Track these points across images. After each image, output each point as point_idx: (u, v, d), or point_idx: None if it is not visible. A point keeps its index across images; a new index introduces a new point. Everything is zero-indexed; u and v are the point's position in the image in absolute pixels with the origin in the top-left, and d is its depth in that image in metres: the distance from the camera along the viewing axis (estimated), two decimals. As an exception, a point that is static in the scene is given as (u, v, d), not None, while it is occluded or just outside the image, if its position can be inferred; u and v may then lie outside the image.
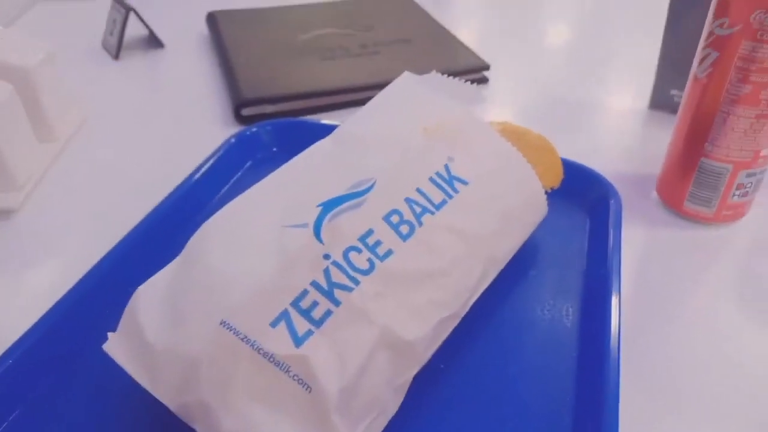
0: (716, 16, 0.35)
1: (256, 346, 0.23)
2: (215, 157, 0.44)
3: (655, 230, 0.41)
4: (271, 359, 0.23)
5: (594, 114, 0.55)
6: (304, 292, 0.24)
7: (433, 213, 0.28)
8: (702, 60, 0.37)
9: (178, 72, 0.63)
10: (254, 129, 0.48)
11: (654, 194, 0.44)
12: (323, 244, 0.26)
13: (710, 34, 0.36)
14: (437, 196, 0.29)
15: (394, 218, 0.27)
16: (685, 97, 0.39)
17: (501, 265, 0.32)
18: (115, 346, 0.25)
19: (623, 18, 0.77)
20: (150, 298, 0.26)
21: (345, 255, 0.26)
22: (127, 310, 0.26)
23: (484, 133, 0.33)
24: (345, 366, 0.23)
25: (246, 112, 0.53)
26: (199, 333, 0.23)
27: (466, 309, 0.30)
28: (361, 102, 0.54)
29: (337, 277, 0.25)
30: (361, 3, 0.74)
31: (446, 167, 0.30)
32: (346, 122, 0.34)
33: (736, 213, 0.41)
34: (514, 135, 0.35)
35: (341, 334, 0.24)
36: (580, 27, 0.77)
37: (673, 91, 0.53)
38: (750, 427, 0.29)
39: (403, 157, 0.30)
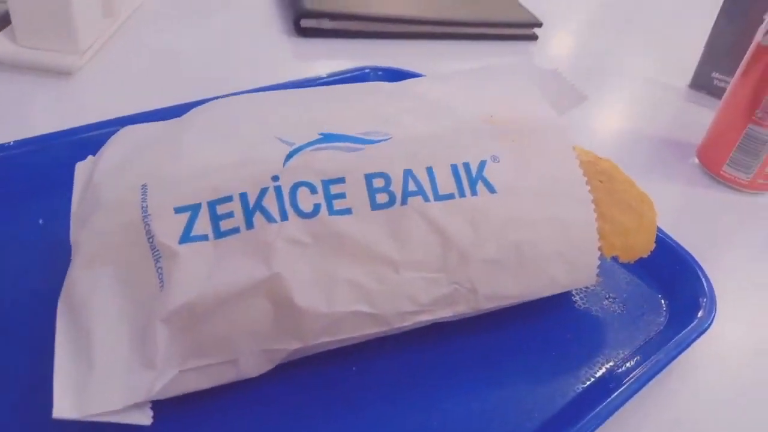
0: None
1: (147, 220, 0.22)
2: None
3: (692, 190, 0.44)
4: (150, 239, 0.22)
5: (637, 85, 0.57)
6: (227, 198, 0.22)
7: (427, 199, 0.24)
8: (765, 26, 0.39)
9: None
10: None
11: (693, 159, 0.46)
12: (284, 167, 0.23)
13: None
14: (447, 186, 0.25)
15: (378, 182, 0.24)
16: (743, 65, 0.41)
17: (481, 305, 0.26)
18: (80, 171, 0.27)
19: (674, 2, 0.79)
20: (123, 140, 0.26)
21: (294, 186, 0.23)
22: (107, 141, 0.27)
23: (556, 151, 0.27)
24: (210, 286, 0.21)
25: (305, 23, 0.54)
26: (121, 183, 0.23)
27: (403, 324, 0.25)
28: (417, 35, 0.57)
29: (269, 202, 0.22)
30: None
31: (482, 164, 0.25)
32: (428, 76, 0.31)
33: (770, 183, 0.43)
34: (602, 175, 0.29)
35: (232, 256, 0.22)
36: (636, 7, 0.79)
37: (714, 74, 0.55)
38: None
39: (444, 131, 0.26)
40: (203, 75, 0.46)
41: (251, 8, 0.57)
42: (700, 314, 0.30)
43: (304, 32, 0.54)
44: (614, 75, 0.58)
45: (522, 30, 0.60)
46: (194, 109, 0.27)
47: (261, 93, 0.28)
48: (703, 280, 0.31)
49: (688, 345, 0.28)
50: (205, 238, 0.22)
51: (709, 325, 0.29)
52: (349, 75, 0.45)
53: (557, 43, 0.62)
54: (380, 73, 0.46)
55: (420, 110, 0.27)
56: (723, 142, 0.43)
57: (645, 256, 0.30)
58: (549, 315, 0.30)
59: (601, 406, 0.25)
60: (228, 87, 0.40)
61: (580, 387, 0.27)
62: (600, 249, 0.27)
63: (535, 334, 0.29)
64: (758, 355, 0.32)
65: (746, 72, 0.41)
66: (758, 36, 0.40)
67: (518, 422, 0.25)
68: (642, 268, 0.32)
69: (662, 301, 0.32)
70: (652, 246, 0.30)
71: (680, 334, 0.28)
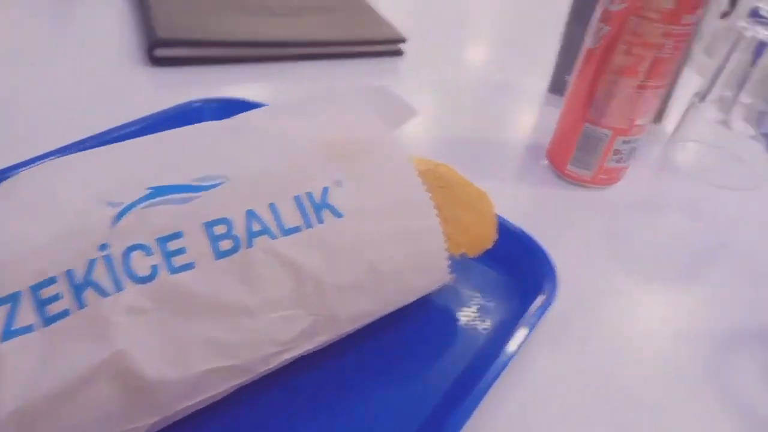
0: (609, -6, 0.39)
1: None
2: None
3: (542, 189, 0.45)
4: None
5: (499, 92, 0.59)
6: (50, 280, 0.20)
7: (274, 237, 0.24)
8: (595, 33, 0.41)
9: (90, 8, 0.61)
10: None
11: (544, 160, 0.48)
12: (113, 230, 0.21)
13: (605, 10, 0.40)
14: (293, 219, 0.24)
15: (219, 228, 0.23)
16: (577, 67, 0.44)
17: (345, 328, 0.27)
18: None
19: (533, 12, 0.83)
20: None
21: (126, 252, 0.21)
22: None
23: (395, 167, 0.28)
24: (43, 384, 0.19)
25: (159, 53, 0.52)
26: None
27: (268, 368, 0.24)
28: (279, 58, 0.57)
29: (100, 274, 0.21)
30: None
31: (325, 191, 0.25)
32: (263, 108, 0.31)
33: (611, 177, 0.45)
34: (440, 181, 0.30)
35: (65, 343, 0.20)
36: (498, 17, 0.82)
37: (567, 77, 0.58)
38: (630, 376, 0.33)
39: (283, 164, 0.26)
40: (45, 125, 0.43)
41: (101, 42, 0.55)
42: (545, 292, 0.33)
43: (159, 62, 0.52)
44: (479, 84, 0.60)
45: (387, 46, 0.61)
46: (2, 184, 0.24)
47: (80, 153, 0.26)
48: (547, 263, 0.34)
49: (539, 319, 0.31)
50: (29, 329, 0.20)
51: (551, 301, 0.32)
52: (179, 111, 0.42)
53: (422, 57, 0.63)
54: (214, 105, 0.43)
55: (257, 146, 0.26)
56: (566, 143, 0.45)
57: (489, 247, 0.32)
58: (414, 315, 0.31)
59: (475, 389, 0.27)
60: (78, 131, 0.38)
61: (455, 374, 0.29)
62: (447, 250, 0.29)
63: (403, 335, 0.31)
64: (597, 325, 0.35)
65: (579, 74, 0.44)
66: (587, 40, 0.43)
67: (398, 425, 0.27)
68: (494, 258, 0.34)
69: (513, 285, 0.35)
70: (495, 237, 0.32)
71: (529, 311, 0.31)
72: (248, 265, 0.23)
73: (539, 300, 0.32)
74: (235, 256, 0.23)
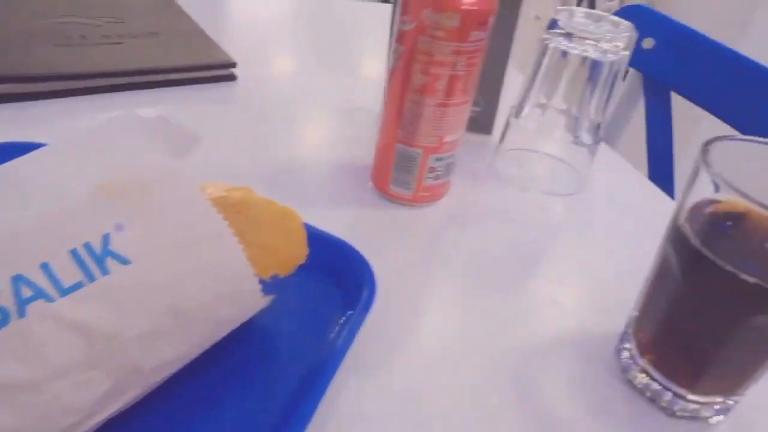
0: (400, 14, 0.39)
1: None
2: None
3: (367, 211, 0.45)
4: None
5: (333, 113, 0.59)
6: None
7: (51, 299, 0.22)
8: (393, 54, 0.41)
9: None
10: None
11: (370, 183, 0.48)
12: None
13: (398, 31, 0.40)
14: (71, 276, 0.22)
15: None
16: (385, 89, 0.44)
17: (155, 379, 0.26)
18: None
19: (365, 35, 0.83)
20: None
21: None
22: None
23: (183, 198, 0.26)
24: None
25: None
26: None
27: None
28: (100, 89, 0.53)
29: None
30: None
31: (105, 238, 0.23)
32: (32, 154, 0.27)
33: (433, 194, 0.46)
34: (236, 206, 0.29)
35: None
36: (331, 40, 0.82)
37: (401, 94, 0.58)
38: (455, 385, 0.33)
39: (52, 217, 0.24)
40: None
41: None
42: (364, 297, 0.33)
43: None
44: (313, 107, 0.59)
45: (218, 71, 0.59)
46: None
47: None
48: (368, 272, 0.35)
49: (361, 323, 0.32)
50: None
51: (369, 306, 0.33)
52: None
53: (256, 81, 0.62)
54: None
55: (20, 201, 0.24)
56: (384, 164, 0.45)
57: (302, 262, 0.31)
58: (236, 337, 0.30)
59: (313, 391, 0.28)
60: None
61: (293, 382, 0.30)
62: (256, 274, 0.27)
63: (246, 358, 0.31)
64: (416, 325, 0.36)
65: (387, 95, 0.43)
66: (388, 62, 0.42)
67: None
68: (315, 269, 0.34)
69: (339, 294, 0.35)
70: (306, 252, 0.32)
71: (354, 315, 0.32)
72: (24, 336, 0.21)
73: (359, 308, 0.33)
74: (5, 329, 0.21)
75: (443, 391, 0.32)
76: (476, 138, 0.58)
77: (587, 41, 0.46)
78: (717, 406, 0.33)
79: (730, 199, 0.27)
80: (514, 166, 0.53)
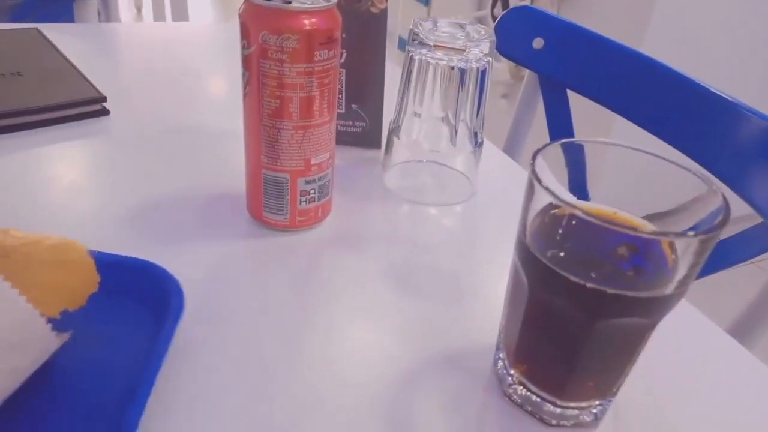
0: (241, 38, 0.38)
1: None
2: None
3: (243, 241, 0.43)
4: None
5: (207, 143, 0.56)
6: None
7: None
8: (243, 79, 0.40)
9: None
10: None
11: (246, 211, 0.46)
12: None
13: (242, 55, 0.39)
14: None
15: None
16: (243, 117, 0.42)
17: None
18: None
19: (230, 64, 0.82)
20: None
21: None
22: None
23: None
24: None
25: None
26: None
27: None
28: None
29: None
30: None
31: None
32: None
33: (310, 218, 0.44)
34: (1, 251, 0.28)
35: None
36: (198, 67, 0.80)
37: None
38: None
39: None
40: None
41: None
42: (173, 310, 0.33)
43: None
44: (187, 136, 0.57)
45: (88, 107, 0.57)
46: None
47: None
48: (173, 285, 0.34)
49: (171, 335, 0.32)
50: None
51: (179, 318, 0.33)
52: None
53: (130, 114, 0.59)
54: None
55: None
56: (255, 191, 0.43)
57: (94, 291, 0.31)
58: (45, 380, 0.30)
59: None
60: None
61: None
62: (43, 314, 0.27)
63: (50, 398, 0.30)
64: (280, 353, 0.32)
65: (245, 122, 0.41)
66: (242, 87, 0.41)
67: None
68: (123, 294, 0.34)
69: (147, 313, 0.34)
70: (96, 279, 0.31)
71: (165, 330, 0.32)
72: None
73: (168, 323, 0.32)
74: None
75: (316, 419, 0.31)
76: (367, 153, 0.57)
77: (450, 50, 0.45)
78: (595, 410, 0.32)
79: (564, 205, 0.26)
80: (402, 179, 0.52)
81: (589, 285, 0.26)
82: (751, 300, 0.52)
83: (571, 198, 0.27)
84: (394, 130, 0.51)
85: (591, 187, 0.31)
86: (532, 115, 0.86)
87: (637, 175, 0.30)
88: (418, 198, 0.51)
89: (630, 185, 0.31)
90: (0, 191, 0.46)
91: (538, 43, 0.78)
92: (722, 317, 0.50)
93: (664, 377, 0.36)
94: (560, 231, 0.28)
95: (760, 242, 0.56)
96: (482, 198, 0.52)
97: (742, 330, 0.52)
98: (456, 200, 0.52)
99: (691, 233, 0.25)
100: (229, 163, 0.53)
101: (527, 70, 0.82)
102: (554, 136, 0.83)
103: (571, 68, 0.77)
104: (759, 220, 0.56)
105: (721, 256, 0.57)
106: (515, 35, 0.79)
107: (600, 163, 0.31)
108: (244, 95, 0.40)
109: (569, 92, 0.78)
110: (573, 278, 0.27)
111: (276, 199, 0.42)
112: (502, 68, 1.84)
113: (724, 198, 0.26)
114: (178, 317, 0.33)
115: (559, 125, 0.83)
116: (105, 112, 0.57)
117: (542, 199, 0.27)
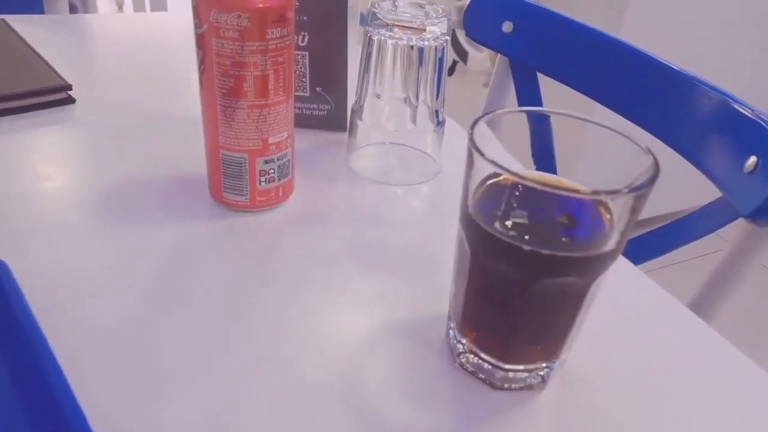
0: (193, 17, 0.38)
1: None
2: None
3: (204, 223, 0.43)
4: None
5: (170, 127, 0.56)
6: None
7: None
8: (197, 59, 0.40)
9: None
10: None
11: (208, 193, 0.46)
12: None
13: (195, 34, 0.39)
14: None
15: None
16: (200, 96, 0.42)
17: None
18: None
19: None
20: None
21: None
22: None
23: None
24: None
25: None
26: None
27: None
28: None
29: None
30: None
31: None
32: None
33: (271, 198, 0.44)
34: None
35: None
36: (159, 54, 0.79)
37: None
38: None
39: None
40: None
41: None
42: None
43: None
44: (149, 120, 0.57)
45: (54, 95, 0.57)
46: None
47: None
48: None
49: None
50: None
51: None
52: None
53: (95, 102, 0.59)
54: None
55: None
56: (214, 171, 0.43)
57: None
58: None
59: None
60: None
61: None
62: None
63: None
64: (233, 332, 0.32)
65: (202, 102, 0.41)
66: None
67: None
68: None
69: None
70: None
71: None
72: None
73: None
74: None
75: (270, 393, 0.31)
76: (332, 136, 0.57)
77: (408, 29, 0.46)
78: (542, 372, 0.33)
79: (504, 173, 0.27)
80: (367, 161, 0.53)
81: (525, 247, 0.27)
82: (712, 269, 0.53)
83: (512, 165, 0.27)
84: (357, 112, 0.51)
85: (566, 165, 0.32)
86: (505, 99, 0.86)
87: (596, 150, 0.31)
88: (384, 179, 0.51)
89: (596, 161, 0.31)
90: (-38, 178, 0.46)
91: (507, 26, 0.78)
92: (686, 292, 0.51)
93: (609, 339, 0.37)
94: (501, 199, 0.28)
95: (722, 216, 0.57)
96: (447, 176, 0.53)
97: (701, 302, 0.53)
98: (421, 179, 0.52)
99: (624, 190, 0.26)
100: (193, 147, 0.53)
101: (498, 55, 0.83)
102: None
103: (540, 51, 0.77)
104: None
105: (684, 231, 0.59)
106: (485, 19, 0.79)
107: (581, 142, 0.32)
108: (200, 75, 0.40)
109: (546, 78, 0.79)
110: (510, 242, 0.27)
111: (235, 179, 0.43)
112: (482, 57, 1.84)
113: (654, 157, 0.27)
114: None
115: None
116: (71, 100, 0.57)
117: (482, 169, 0.28)
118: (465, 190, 0.30)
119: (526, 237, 0.27)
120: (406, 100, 0.50)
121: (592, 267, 0.28)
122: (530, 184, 0.25)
